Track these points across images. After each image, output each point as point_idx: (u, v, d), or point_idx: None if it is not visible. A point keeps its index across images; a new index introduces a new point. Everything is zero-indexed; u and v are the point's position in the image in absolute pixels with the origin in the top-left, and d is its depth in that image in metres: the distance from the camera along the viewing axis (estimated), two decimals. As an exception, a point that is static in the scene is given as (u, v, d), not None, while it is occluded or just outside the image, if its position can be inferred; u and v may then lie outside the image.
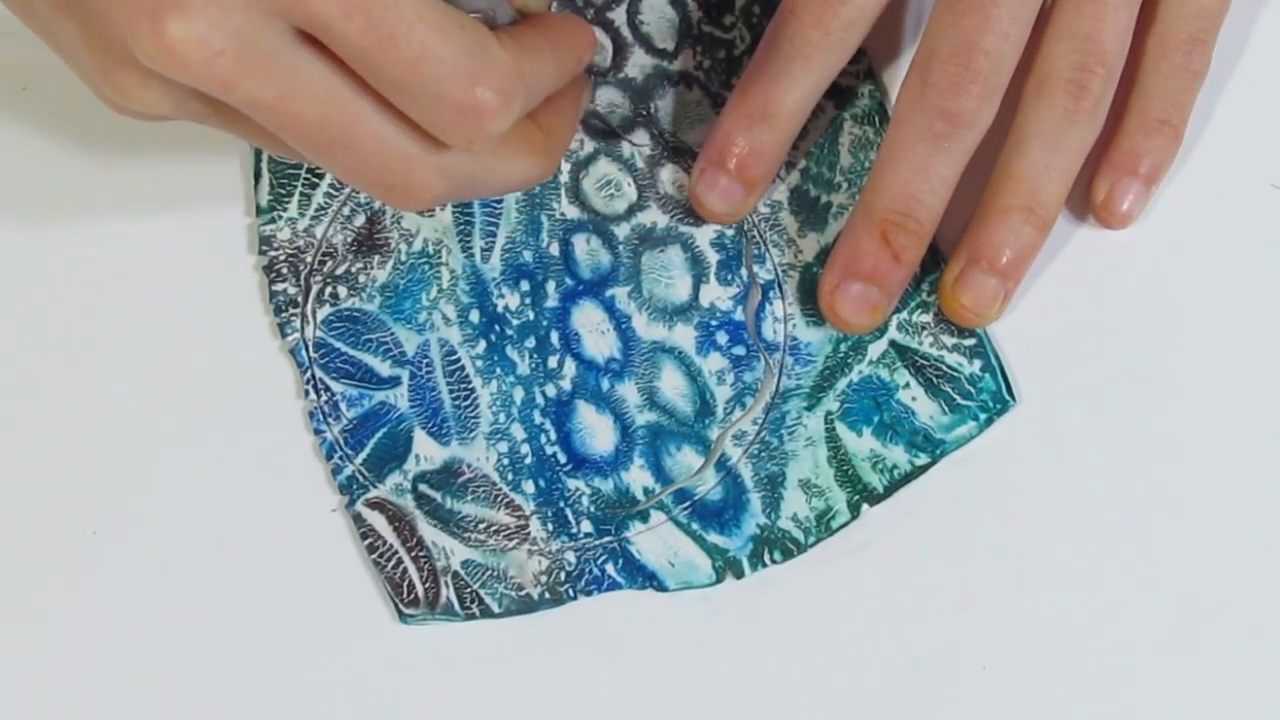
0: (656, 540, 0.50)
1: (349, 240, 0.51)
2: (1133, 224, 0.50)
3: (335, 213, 0.51)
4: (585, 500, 0.50)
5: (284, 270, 0.51)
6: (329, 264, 0.51)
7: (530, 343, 0.50)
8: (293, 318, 0.51)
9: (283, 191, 0.51)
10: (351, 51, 0.37)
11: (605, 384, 0.50)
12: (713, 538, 0.49)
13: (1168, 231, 0.50)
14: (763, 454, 0.50)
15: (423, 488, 0.50)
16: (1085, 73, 0.47)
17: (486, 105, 0.39)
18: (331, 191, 0.51)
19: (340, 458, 0.50)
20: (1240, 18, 0.51)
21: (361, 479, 0.50)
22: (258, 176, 0.51)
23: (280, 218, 0.51)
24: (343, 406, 0.50)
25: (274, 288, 0.51)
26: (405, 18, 0.37)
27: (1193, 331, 0.50)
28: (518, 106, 0.39)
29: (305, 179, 0.51)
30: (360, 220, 0.51)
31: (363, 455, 0.50)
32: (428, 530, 0.50)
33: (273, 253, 0.51)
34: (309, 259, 0.51)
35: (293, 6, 0.36)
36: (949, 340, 0.50)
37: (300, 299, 0.51)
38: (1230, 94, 0.50)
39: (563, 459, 0.50)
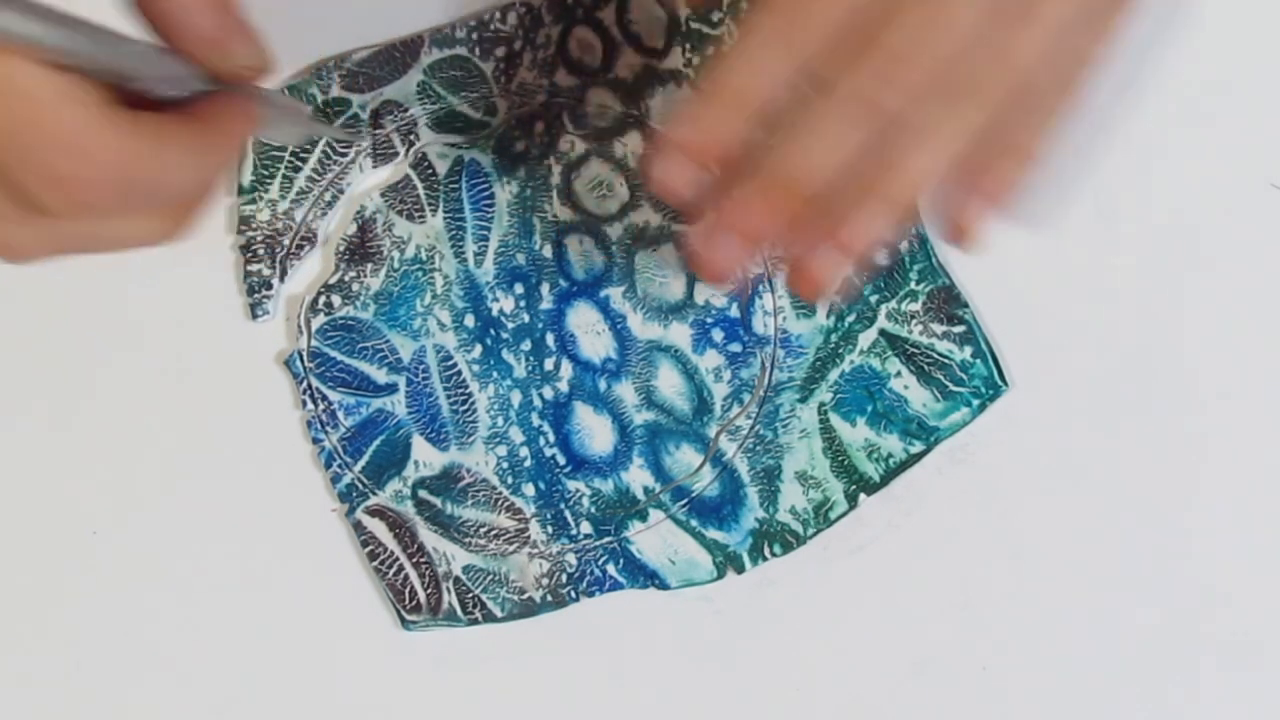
0: (656, 539, 0.50)
1: (341, 249, 0.51)
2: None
3: (316, 198, 0.51)
4: (585, 501, 0.50)
5: (260, 251, 0.51)
6: (306, 249, 0.51)
7: (526, 345, 0.50)
8: (264, 299, 0.51)
9: (265, 173, 0.51)
10: None
11: (602, 384, 0.50)
12: (712, 533, 0.50)
13: (1167, 230, 0.50)
14: (758, 448, 0.50)
15: (422, 494, 0.50)
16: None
17: (79, 181, 0.37)
18: (314, 176, 0.51)
19: (339, 466, 0.50)
20: (1240, 18, 0.50)
21: (361, 486, 0.50)
22: (241, 156, 0.51)
23: (261, 198, 0.51)
24: (340, 415, 0.50)
25: (248, 268, 0.51)
26: (14, 88, 0.36)
27: (1192, 329, 0.50)
28: (119, 188, 0.38)
29: (289, 162, 0.51)
30: (352, 229, 0.51)
31: (361, 463, 0.50)
32: (428, 536, 0.50)
33: (250, 233, 0.51)
34: (286, 242, 0.51)
35: None
36: (938, 328, 0.50)
37: (274, 281, 0.51)
38: (1230, 94, 0.50)
39: (562, 460, 0.50)
